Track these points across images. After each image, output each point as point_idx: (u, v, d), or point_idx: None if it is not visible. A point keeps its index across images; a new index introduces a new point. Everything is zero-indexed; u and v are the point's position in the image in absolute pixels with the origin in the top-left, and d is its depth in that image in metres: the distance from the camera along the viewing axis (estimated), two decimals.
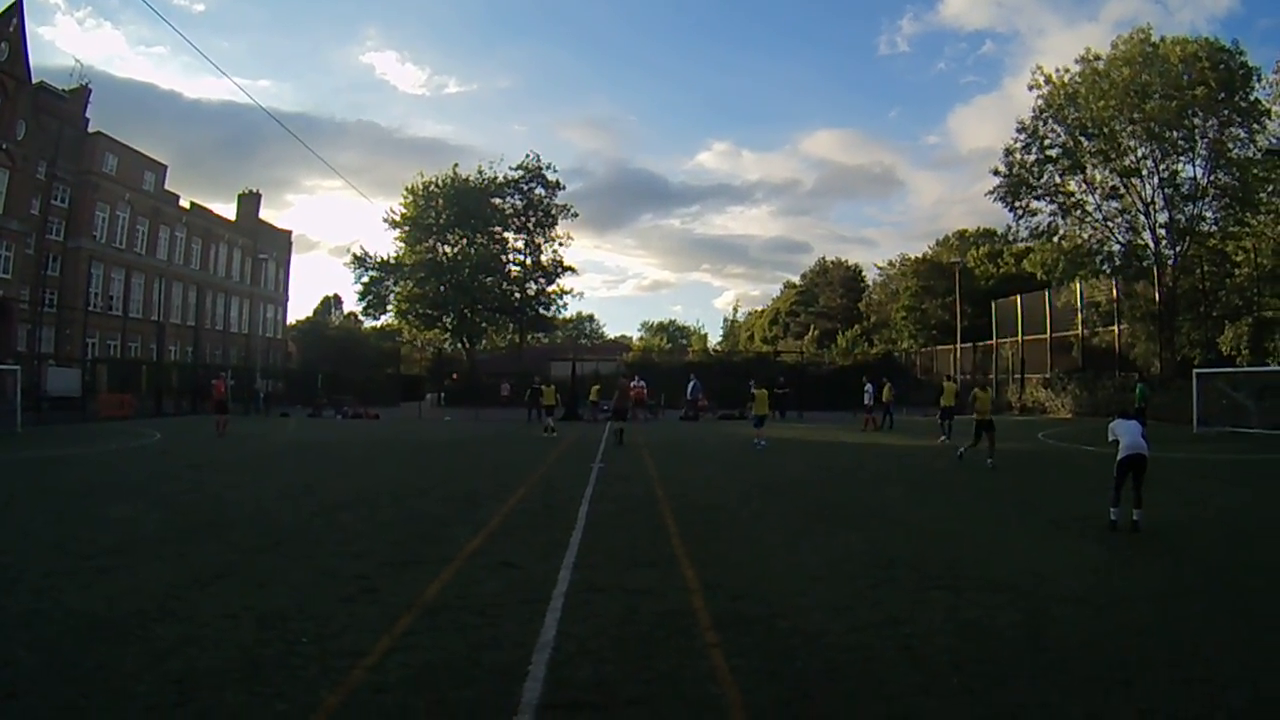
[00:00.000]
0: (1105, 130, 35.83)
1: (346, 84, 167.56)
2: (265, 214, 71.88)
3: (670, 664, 4.96)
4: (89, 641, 5.35)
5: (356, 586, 6.67)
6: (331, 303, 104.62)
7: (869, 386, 29.45)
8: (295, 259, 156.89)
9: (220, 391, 27.93)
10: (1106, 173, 37.17)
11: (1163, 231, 35.84)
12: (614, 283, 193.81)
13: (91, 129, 52.38)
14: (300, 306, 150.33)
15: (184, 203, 60.89)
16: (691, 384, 36.75)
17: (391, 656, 5.02)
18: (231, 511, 10.82)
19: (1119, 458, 9.52)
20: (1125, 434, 9.61)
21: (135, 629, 5.60)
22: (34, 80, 45.20)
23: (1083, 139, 36.99)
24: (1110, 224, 37.58)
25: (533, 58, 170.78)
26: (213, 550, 8.15)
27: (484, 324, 62.84)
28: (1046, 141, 38.31)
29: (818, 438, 25.13)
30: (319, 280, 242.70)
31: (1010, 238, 44.93)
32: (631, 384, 29.15)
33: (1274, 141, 33.43)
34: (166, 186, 59.00)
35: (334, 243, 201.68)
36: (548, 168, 61.16)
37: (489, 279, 59.61)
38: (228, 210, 70.18)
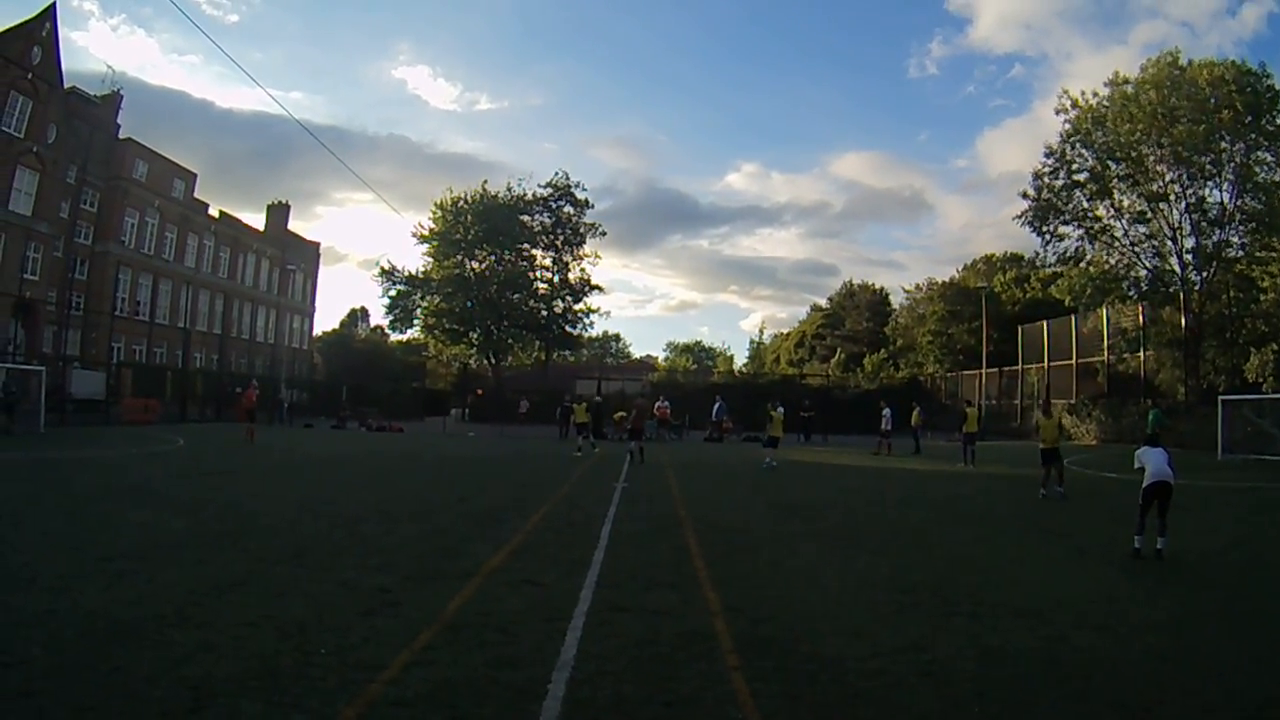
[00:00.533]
0: (1133, 155, 35.53)
1: (378, 98, 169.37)
2: (295, 225, 72.69)
3: (691, 687, 4.87)
4: (105, 644, 5.31)
5: (377, 600, 6.61)
6: (358, 315, 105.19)
7: (886, 411, 29.36)
8: (323, 271, 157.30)
9: (251, 400, 28.02)
10: (1134, 197, 36.83)
11: (1189, 257, 35.39)
12: (641, 302, 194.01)
13: (123, 135, 53.08)
14: (328, 318, 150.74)
15: (213, 211, 61.56)
16: (717, 405, 36.53)
17: (411, 671, 4.94)
18: (252, 520, 10.83)
19: (1144, 485, 9.37)
20: (1151, 461, 9.45)
21: (152, 633, 5.56)
22: (66, 85, 45.84)
23: (1110, 163, 36.69)
24: (1137, 249, 37.12)
25: (564, 76, 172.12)
26: (232, 558, 8.12)
27: (510, 341, 62.86)
28: (1074, 166, 37.98)
29: (842, 461, 25.01)
30: (347, 292, 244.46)
31: (1038, 263, 44.53)
32: (656, 404, 28.79)
33: None
34: (196, 195, 59.63)
35: (363, 255, 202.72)
36: (576, 186, 61.39)
37: (516, 296, 59.78)
38: (257, 220, 70.93)
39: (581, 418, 28.12)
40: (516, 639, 5.66)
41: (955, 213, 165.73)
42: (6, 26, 40.69)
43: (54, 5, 42.65)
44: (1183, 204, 35.13)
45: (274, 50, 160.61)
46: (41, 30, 42.14)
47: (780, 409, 23.26)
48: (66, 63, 48.08)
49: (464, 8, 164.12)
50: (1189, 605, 7.30)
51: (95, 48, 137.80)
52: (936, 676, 5.12)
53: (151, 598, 6.47)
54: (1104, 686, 5.00)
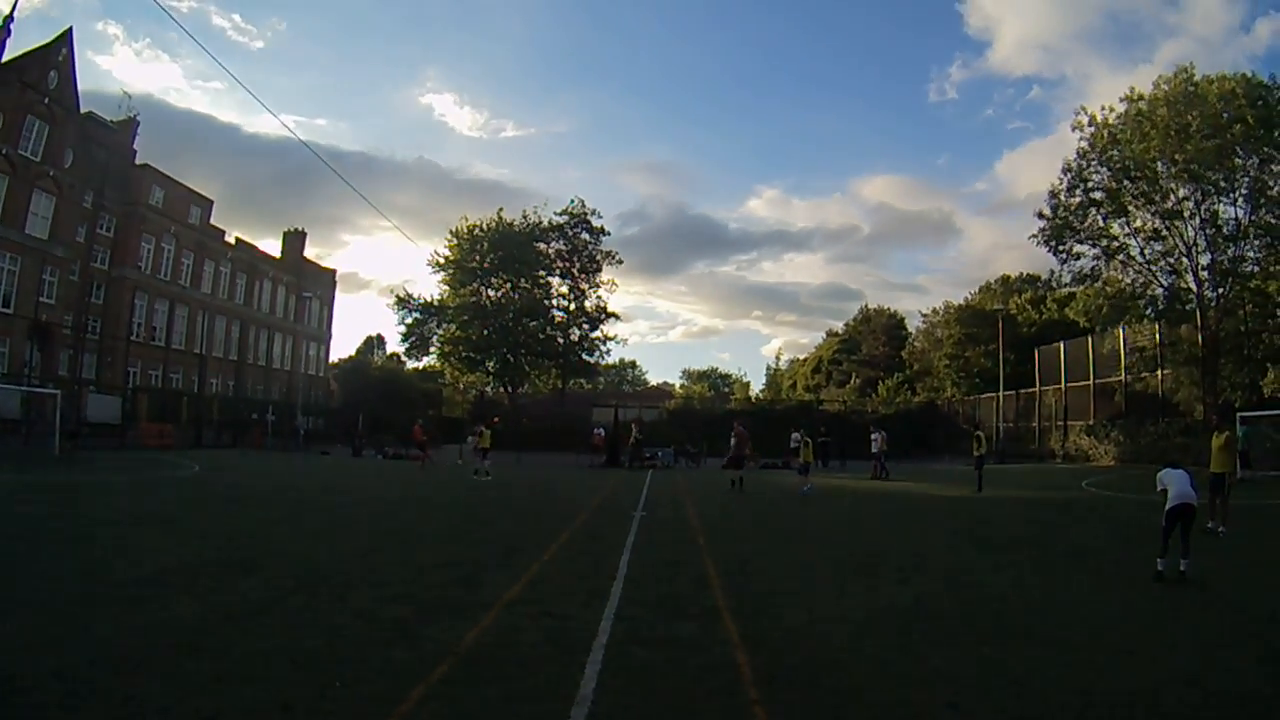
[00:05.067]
0: (1147, 172, 35.44)
1: (405, 124, 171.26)
2: (319, 251, 73.87)
3: None
4: (117, 673, 5.24)
5: (393, 631, 6.51)
6: (375, 342, 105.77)
7: (874, 435, 30.13)
8: (346, 298, 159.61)
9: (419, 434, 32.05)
10: (1149, 215, 36.67)
11: (1205, 273, 35.24)
12: (663, 329, 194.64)
13: (144, 160, 53.87)
14: (347, 345, 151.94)
15: (229, 238, 61.96)
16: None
17: (425, 705, 4.83)
18: (268, 547, 10.77)
19: (1168, 507, 9.22)
20: (1174, 483, 9.29)
21: (165, 662, 5.49)
22: (83, 109, 46.32)
23: (1125, 180, 36.55)
24: (1153, 267, 36.95)
25: (589, 102, 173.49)
26: (247, 586, 8.05)
27: (526, 368, 62.96)
28: (1090, 183, 37.90)
29: (859, 486, 24.77)
30: (368, 319, 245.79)
31: (1054, 283, 44.40)
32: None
33: None
34: (217, 220, 60.20)
35: (386, 282, 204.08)
36: (593, 213, 61.62)
37: (532, 323, 60.02)
38: (279, 246, 71.41)
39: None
40: (534, 672, 5.53)
41: (979, 235, 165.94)
42: (23, 51, 41.21)
43: (70, 30, 43.29)
44: (1197, 220, 34.99)
45: (300, 77, 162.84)
46: (58, 55, 42.70)
47: (807, 438, 23.86)
48: (89, 86, 48.99)
49: (490, 36, 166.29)
50: (1215, 627, 7.16)
51: (119, 72, 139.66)
52: (963, 709, 4.96)
53: (164, 626, 6.41)
54: (1132, 714, 4.89)
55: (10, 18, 40.01)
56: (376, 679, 5.31)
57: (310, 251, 73.05)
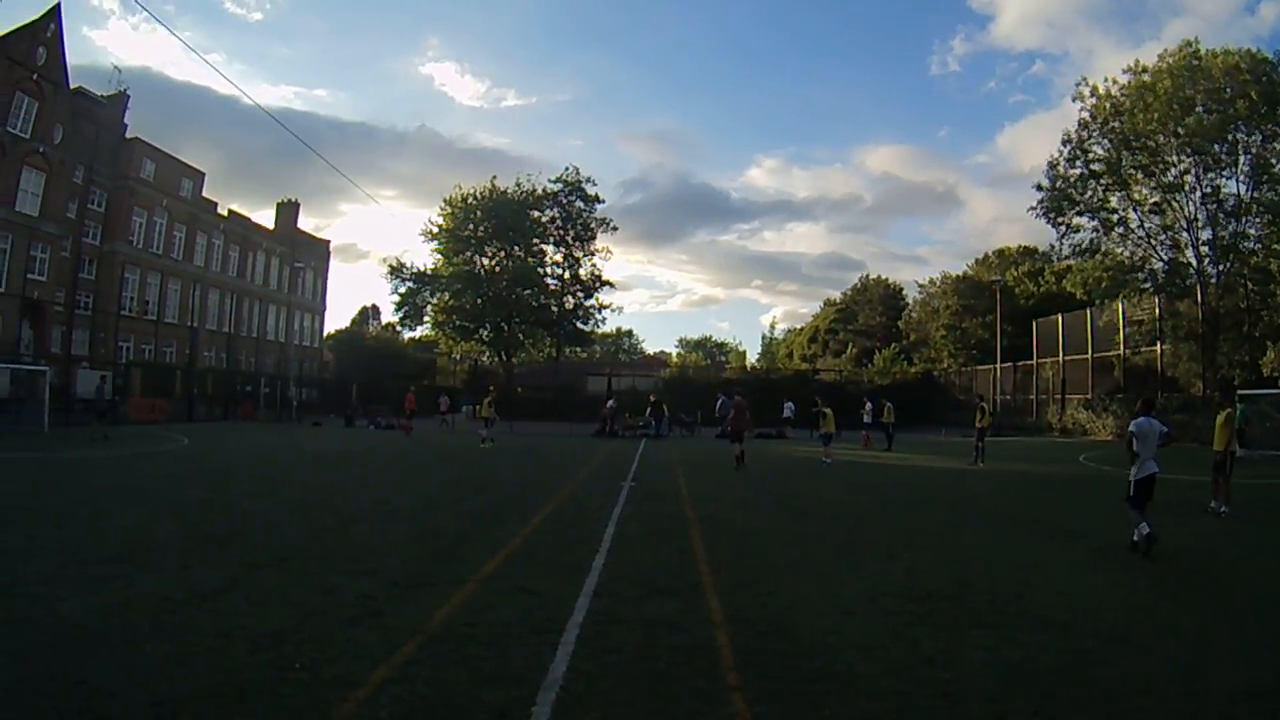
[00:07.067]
0: (1149, 144, 35.16)
1: (405, 94, 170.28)
2: (318, 222, 73.71)
3: (686, 709, 4.50)
4: (74, 655, 5.07)
5: (360, 608, 6.31)
6: (369, 313, 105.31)
7: (868, 405, 30.59)
8: (344, 268, 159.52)
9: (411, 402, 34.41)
10: (1150, 188, 36.45)
11: (1206, 249, 35.16)
12: (662, 298, 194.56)
13: (144, 133, 53.35)
14: (344, 316, 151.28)
15: (222, 210, 61.43)
16: (720, 401, 35.94)
17: (386, 689, 4.62)
18: (243, 522, 10.54)
19: (1136, 478, 9.25)
20: (1144, 444, 9.31)
21: (123, 644, 5.31)
22: (74, 85, 45.80)
23: (1126, 152, 36.27)
24: (1153, 241, 36.83)
25: (592, 71, 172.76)
26: (217, 562, 7.85)
27: (521, 337, 62.69)
28: (1090, 155, 37.64)
29: (852, 458, 24.55)
30: (366, 290, 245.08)
31: (1053, 255, 44.16)
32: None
33: None
34: (217, 193, 60.01)
35: (385, 252, 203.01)
36: (587, 180, 61.08)
37: (526, 292, 59.53)
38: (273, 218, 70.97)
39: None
40: (503, 653, 5.33)
41: (981, 207, 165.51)
42: (12, 28, 40.66)
43: (58, 5, 42.63)
44: (1198, 195, 34.81)
45: (300, 47, 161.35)
46: (46, 31, 42.10)
47: (829, 407, 23.97)
48: (85, 61, 48.33)
49: (491, 5, 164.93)
50: (1214, 611, 6.97)
51: (114, 46, 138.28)
52: (955, 698, 4.73)
53: (129, 605, 6.22)
54: (1131, 703, 4.68)
55: None
56: (338, 660, 5.12)
57: (309, 223, 73.14)
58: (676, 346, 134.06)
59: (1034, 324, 46.91)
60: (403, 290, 60.29)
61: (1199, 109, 33.41)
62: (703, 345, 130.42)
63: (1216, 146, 33.54)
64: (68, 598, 6.37)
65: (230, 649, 5.27)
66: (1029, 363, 46.51)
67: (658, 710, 4.49)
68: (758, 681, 4.93)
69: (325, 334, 78.38)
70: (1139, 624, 6.46)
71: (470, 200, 59.41)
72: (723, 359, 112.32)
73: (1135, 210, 37.19)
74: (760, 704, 4.56)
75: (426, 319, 61.52)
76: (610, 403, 37.55)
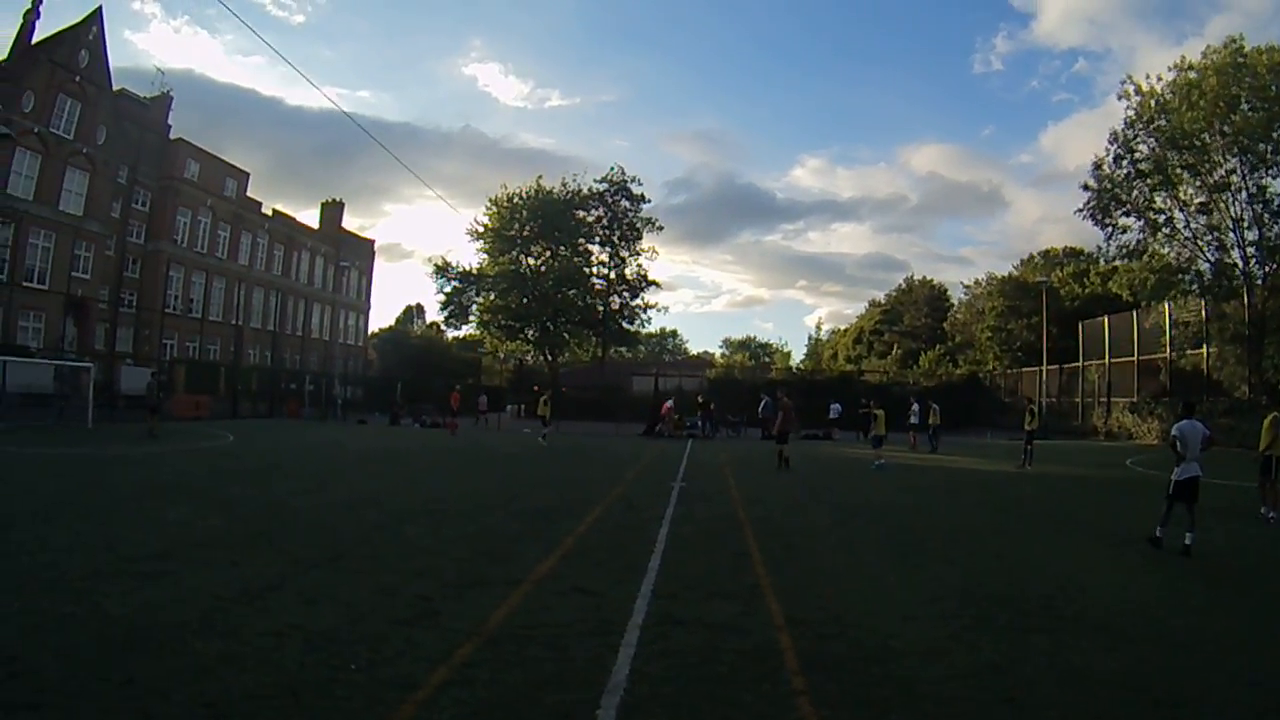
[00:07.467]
0: (1195, 143, 34.43)
1: (449, 95, 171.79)
2: (362, 222, 74.91)
3: (753, 714, 4.34)
4: (123, 652, 4.94)
5: (415, 608, 6.18)
6: (414, 312, 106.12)
7: (915, 406, 30.30)
8: (388, 267, 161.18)
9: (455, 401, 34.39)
10: (1196, 188, 35.75)
11: (1252, 250, 34.39)
12: (706, 298, 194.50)
13: (187, 134, 54.22)
14: (388, 314, 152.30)
15: (266, 209, 62.12)
16: (764, 403, 35.52)
17: (446, 691, 4.48)
18: (292, 519, 10.44)
19: (1176, 479, 9.20)
20: (1187, 446, 9.25)
21: (173, 642, 5.17)
22: (117, 87, 46.48)
23: (1172, 151, 35.53)
24: (1199, 242, 36.10)
25: (636, 72, 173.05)
26: (266, 560, 7.73)
27: (566, 336, 62.55)
28: (1136, 154, 36.94)
29: (901, 459, 24.20)
30: (411, 289, 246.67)
31: (1100, 256, 43.40)
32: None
33: None
34: (261, 193, 60.91)
35: (429, 251, 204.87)
36: (633, 180, 60.80)
37: (572, 292, 59.24)
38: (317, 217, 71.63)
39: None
40: (564, 655, 5.17)
41: (1026, 207, 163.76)
42: (54, 31, 41.33)
43: (100, 8, 43.36)
44: (1244, 194, 34.11)
45: (343, 49, 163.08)
46: (88, 34, 42.83)
47: (878, 409, 23.42)
48: (127, 64, 49.19)
49: (534, 6, 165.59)
50: (1276, 619, 6.75)
51: (156, 50, 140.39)
52: (1019, 704, 4.58)
53: (177, 602, 6.11)
54: (1195, 714, 4.53)
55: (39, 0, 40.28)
56: (395, 661, 4.98)
57: (353, 222, 73.71)
58: (720, 347, 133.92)
59: (1079, 326, 46.12)
60: (448, 289, 60.39)
61: (1244, 106, 32.80)
62: (747, 346, 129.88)
63: (1262, 145, 32.82)
64: (114, 594, 6.28)
65: (283, 648, 5.14)
66: (1074, 365, 45.73)
67: (724, 715, 4.33)
68: (823, 685, 4.76)
69: (370, 332, 79.26)
70: (1196, 631, 6.26)
71: (516, 200, 59.30)
72: (768, 360, 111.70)
73: (1182, 210, 36.53)
74: (826, 708, 4.41)
75: (472, 318, 61.53)
76: (669, 402, 37.40)
